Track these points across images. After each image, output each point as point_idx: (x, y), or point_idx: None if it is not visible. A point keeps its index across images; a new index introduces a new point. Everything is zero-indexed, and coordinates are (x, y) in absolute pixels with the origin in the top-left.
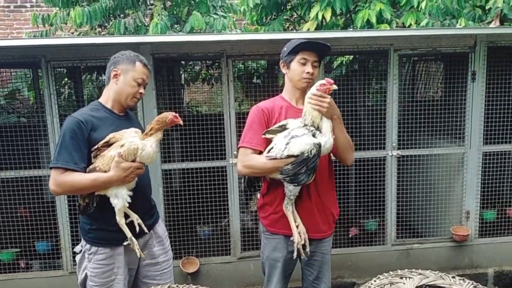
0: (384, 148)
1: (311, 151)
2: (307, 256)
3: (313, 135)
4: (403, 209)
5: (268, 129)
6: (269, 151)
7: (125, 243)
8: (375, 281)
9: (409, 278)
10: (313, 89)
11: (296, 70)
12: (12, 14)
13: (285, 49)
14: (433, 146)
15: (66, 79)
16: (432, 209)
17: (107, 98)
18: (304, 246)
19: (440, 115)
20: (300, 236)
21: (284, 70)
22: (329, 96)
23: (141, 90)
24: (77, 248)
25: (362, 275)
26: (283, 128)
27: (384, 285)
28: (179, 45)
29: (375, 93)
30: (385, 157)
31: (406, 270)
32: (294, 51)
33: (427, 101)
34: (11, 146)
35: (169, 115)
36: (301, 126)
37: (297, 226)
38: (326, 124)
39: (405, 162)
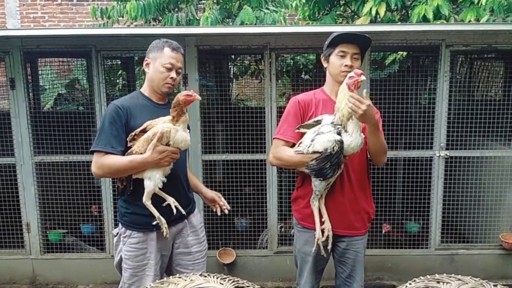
0: (431, 148)
1: (333, 147)
2: (327, 253)
3: (339, 133)
4: (449, 213)
5: (303, 124)
6: (299, 145)
7: (154, 223)
8: (410, 283)
9: (447, 283)
10: (344, 83)
11: (335, 63)
12: (75, 7)
13: (326, 42)
14: (485, 148)
15: (120, 71)
16: (481, 214)
17: (145, 87)
18: (326, 243)
19: (495, 116)
20: (323, 232)
21: (325, 64)
22: (368, 102)
23: (173, 75)
24: (115, 231)
25: (403, 278)
26: (318, 123)
27: None
28: (223, 37)
29: (427, 91)
30: (432, 157)
31: (444, 274)
32: (333, 44)
33: (481, 101)
34: (65, 132)
35: (180, 96)
36: (329, 123)
37: (323, 222)
38: (353, 125)
39: (454, 164)
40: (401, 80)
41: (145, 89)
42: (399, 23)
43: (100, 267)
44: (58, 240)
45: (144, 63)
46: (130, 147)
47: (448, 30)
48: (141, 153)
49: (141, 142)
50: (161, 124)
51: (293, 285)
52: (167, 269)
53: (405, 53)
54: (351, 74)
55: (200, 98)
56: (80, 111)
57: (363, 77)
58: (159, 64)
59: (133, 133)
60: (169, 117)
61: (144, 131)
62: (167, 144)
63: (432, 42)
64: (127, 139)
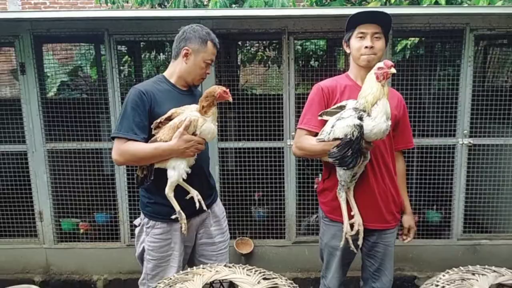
0: (454, 135)
1: (353, 133)
2: (357, 248)
3: (360, 118)
4: (471, 202)
5: (326, 110)
6: (321, 133)
7: (173, 217)
8: (444, 275)
9: (482, 275)
10: (372, 71)
11: (355, 45)
12: None
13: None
14: (509, 135)
15: (126, 56)
16: (504, 203)
17: (172, 72)
18: (356, 237)
19: None
20: (353, 226)
21: (347, 50)
22: None
23: (208, 70)
24: (137, 221)
25: (424, 269)
26: (341, 108)
27: (455, 281)
28: (240, 20)
29: (442, 78)
30: (454, 145)
31: (478, 266)
32: (351, 27)
33: (502, 87)
34: (74, 120)
35: (217, 89)
36: (351, 108)
37: (352, 216)
38: (378, 110)
39: (476, 152)
40: (414, 67)
41: (171, 75)
42: (425, 5)
43: (115, 257)
44: (71, 229)
45: (183, 51)
46: (153, 135)
47: (473, 13)
48: (166, 141)
49: (166, 130)
50: (188, 112)
51: (312, 275)
52: (190, 260)
53: (416, 39)
54: (381, 64)
55: (231, 100)
56: (93, 97)
57: (393, 70)
58: (201, 59)
59: (158, 120)
60: (196, 106)
61: (169, 119)
62: (194, 134)
63: (456, 26)
64: (152, 126)
